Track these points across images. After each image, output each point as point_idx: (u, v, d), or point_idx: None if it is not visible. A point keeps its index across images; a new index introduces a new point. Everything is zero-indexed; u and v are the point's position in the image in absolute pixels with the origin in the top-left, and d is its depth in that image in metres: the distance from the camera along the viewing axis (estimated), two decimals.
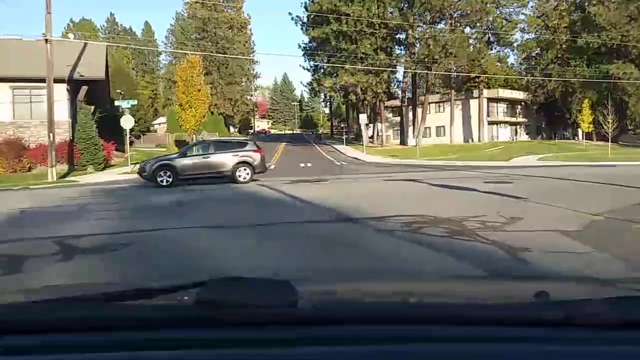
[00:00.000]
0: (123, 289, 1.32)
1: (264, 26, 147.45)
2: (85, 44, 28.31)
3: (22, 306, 1.23)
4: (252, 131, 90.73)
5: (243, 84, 65.52)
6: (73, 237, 6.19)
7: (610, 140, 28.51)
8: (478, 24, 42.68)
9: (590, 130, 37.34)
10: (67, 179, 20.49)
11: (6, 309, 1.16)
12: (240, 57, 54.60)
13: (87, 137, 23.65)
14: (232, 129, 71.99)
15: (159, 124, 70.30)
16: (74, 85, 24.84)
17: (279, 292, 1.04)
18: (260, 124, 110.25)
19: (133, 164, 26.44)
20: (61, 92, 23.91)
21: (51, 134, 19.65)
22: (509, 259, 4.95)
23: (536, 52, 50.30)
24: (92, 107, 32.72)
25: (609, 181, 12.92)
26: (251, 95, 74.95)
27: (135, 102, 25.84)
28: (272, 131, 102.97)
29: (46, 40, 19.53)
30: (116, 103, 26.44)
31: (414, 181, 14.48)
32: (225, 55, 52.72)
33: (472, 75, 48.18)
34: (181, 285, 1.20)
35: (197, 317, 1.01)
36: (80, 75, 24.24)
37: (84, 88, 24.87)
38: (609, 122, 27.79)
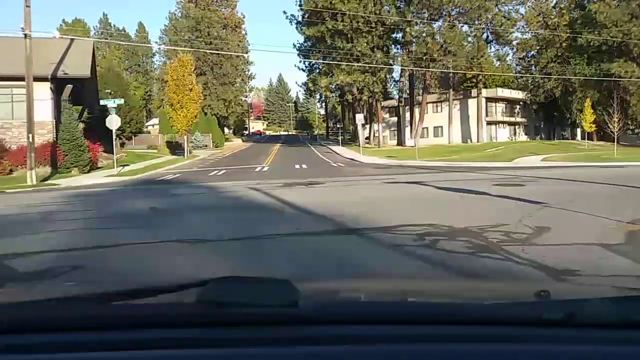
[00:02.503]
0: (123, 288, 1.25)
1: (259, 27, 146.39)
2: (71, 42, 27.10)
3: (22, 305, 1.20)
4: (246, 132, 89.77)
5: (237, 84, 64.27)
6: (16, 256, 5.11)
7: (615, 140, 27.56)
8: (477, 22, 41.73)
9: (592, 130, 36.45)
10: (48, 182, 19.35)
11: (6, 308, 1.15)
12: (233, 53, 53.39)
13: (72, 138, 22.48)
14: (226, 130, 70.87)
15: (153, 125, 69.08)
16: (58, 84, 23.68)
17: (279, 292, 1.01)
18: (255, 125, 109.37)
19: (121, 166, 25.34)
20: (44, 91, 22.81)
21: (30, 135, 18.52)
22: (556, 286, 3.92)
23: (535, 51, 49.38)
24: (80, 108, 31.66)
25: (626, 183, 11.96)
26: (246, 96, 73.78)
27: (121, 101, 24.58)
28: (267, 132, 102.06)
29: (25, 35, 18.41)
30: (102, 102, 25.22)
31: (417, 184, 13.46)
32: (219, 52, 51.54)
33: (471, 74, 47.30)
34: (181, 284, 1.13)
35: (197, 317, 1.01)
36: (65, 74, 23.08)
37: (69, 87, 23.69)
38: (615, 121, 26.83)
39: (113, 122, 22.06)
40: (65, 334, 0.98)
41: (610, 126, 27.40)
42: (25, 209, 10.57)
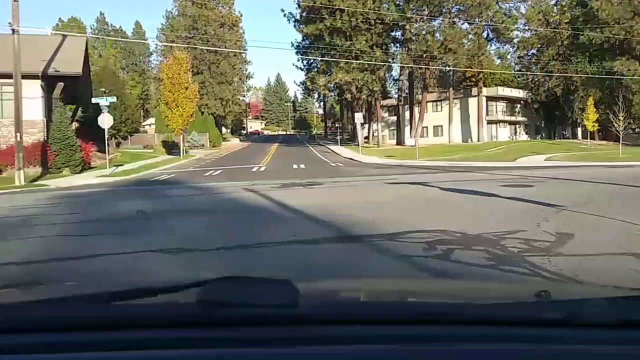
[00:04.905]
0: (124, 288, 1.23)
1: (256, 27, 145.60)
2: (63, 39, 26.47)
3: (23, 305, 1.20)
4: (244, 132, 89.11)
5: (235, 83, 63.57)
6: None
7: (621, 139, 27.01)
8: (477, 19, 41.14)
9: (595, 129, 35.90)
10: (37, 182, 18.71)
11: (6, 308, 1.14)
12: (230, 50, 52.80)
13: (63, 138, 21.83)
14: (223, 130, 70.20)
15: (150, 124, 68.38)
16: (49, 82, 23.01)
17: (279, 292, 1.01)
18: (253, 125, 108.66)
19: (114, 166, 24.68)
20: (35, 89, 22.15)
21: (18, 134, 17.86)
22: None
23: (536, 49, 48.78)
24: (74, 106, 30.97)
25: (638, 183, 11.42)
26: (243, 96, 73.09)
27: (114, 99, 23.81)
28: (265, 132, 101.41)
29: (13, 30, 17.77)
30: (94, 101, 24.51)
31: (419, 184, 12.86)
32: (217, 50, 50.93)
33: (471, 72, 46.74)
34: (182, 284, 1.11)
35: (197, 317, 1.01)
36: (56, 71, 22.42)
37: (60, 85, 23.03)
38: (620, 119, 26.25)
39: (105, 120, 21.42)
40: (65, 334, 0.98)
41: (615, 125, 26.81)
42: (7, 211, 9.95)
